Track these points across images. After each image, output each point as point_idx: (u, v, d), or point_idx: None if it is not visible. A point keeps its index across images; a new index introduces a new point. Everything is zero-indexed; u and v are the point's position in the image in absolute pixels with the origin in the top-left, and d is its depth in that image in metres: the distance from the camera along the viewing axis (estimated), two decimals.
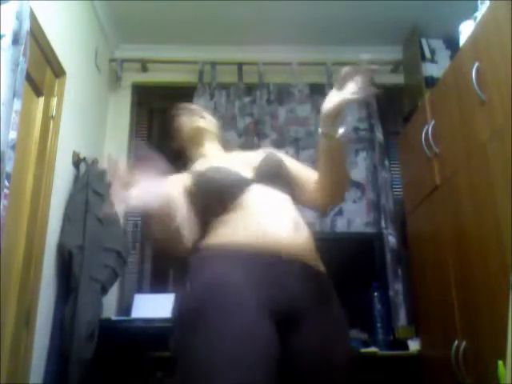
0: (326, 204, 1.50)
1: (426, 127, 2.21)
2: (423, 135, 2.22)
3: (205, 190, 1.29)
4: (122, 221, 2.84)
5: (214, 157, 1.52)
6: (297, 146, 3.02)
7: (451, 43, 2.66)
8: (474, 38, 1.87)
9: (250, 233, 1.19)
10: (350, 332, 1.30)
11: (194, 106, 1.76)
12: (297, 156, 2.92)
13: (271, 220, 1.21)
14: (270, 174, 1.34)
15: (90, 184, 2.40)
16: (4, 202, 1.39)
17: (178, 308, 1.17)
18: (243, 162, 1.39)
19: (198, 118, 1.65)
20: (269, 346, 1.04)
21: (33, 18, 1.75)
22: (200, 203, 1.29)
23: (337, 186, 1.39)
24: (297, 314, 1.14)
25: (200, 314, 1.07)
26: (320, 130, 1.27)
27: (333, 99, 1.24)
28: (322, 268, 1.26)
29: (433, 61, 2.76)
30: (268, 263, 1.14)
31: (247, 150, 1.62)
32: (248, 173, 1.33)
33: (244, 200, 1.25)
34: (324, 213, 1.43)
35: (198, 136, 1.63)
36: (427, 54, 2.78)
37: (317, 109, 3.18)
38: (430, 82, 2.65)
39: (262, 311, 1.07)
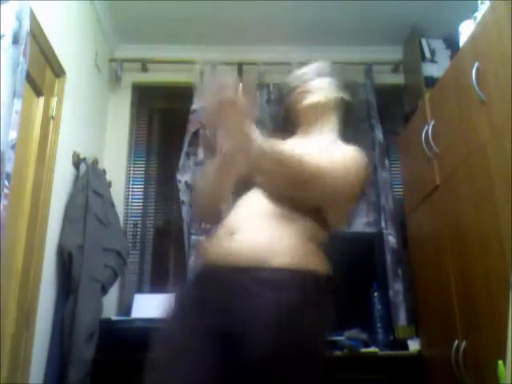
0: None
1: (426, 127, 2.21)
2: (423, 135, 2.22)
3: None
4: (121, 221, 2.85)
5: None
6: None
7: (451, 43, 2.66)
8: (473, 38, 1.86)
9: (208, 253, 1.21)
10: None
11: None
12: None
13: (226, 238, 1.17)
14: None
15: (90, 184, 2.40)
16: (4, 201, 1.39)
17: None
18: None
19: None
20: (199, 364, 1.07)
21: (33, 18, 1.75)
22: None
23: None
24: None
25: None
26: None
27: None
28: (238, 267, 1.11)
29: (433, 61, 2.76)
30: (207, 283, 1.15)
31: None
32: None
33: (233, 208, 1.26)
34: None
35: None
36: (427, 54, 2.78)
37: None
38: (430, 82, 2.65)
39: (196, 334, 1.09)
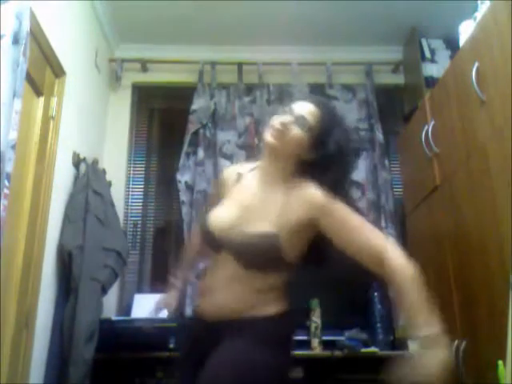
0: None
1: (426, 127, 2.21)
2: (423, 135, 2.22)
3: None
4: (121, 221, 2.85)
5: (247, 192, 1.43)
6: None
7: (451, 43, 2.65)
8: (473, 38, 1.87)
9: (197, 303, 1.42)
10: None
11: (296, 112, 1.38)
12: None
13: (207, 287, 1.38)
14: (244, 253, 1.31)
15: (90, 184, 2.39)
16: (4, 202, 1.39)
17: None
18: (247, 220, 1.34)
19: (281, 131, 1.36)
20: None
21: (33, 18, 1.75)
22: None
23: None
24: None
25: None
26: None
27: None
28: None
29: (433, 61, 2.76)
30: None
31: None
32: (231, 235, 1.32)
33: (214, 259, 1.39)
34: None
35: (267, 152, 1.42)
36: (427, 54, 2.78)
37: None
38: (430, 82, 2.64)
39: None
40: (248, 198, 1.39)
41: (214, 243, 1.37)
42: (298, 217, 1.30)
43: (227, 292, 1.31)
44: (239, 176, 1.48)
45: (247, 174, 1.48)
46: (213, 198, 1.72)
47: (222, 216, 1.39)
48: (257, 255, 1.29)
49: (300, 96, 1.48)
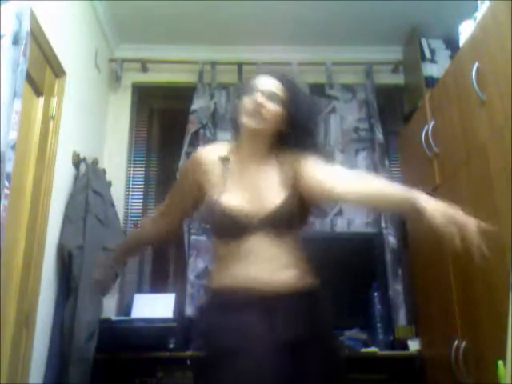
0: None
1: (426, 127, 2.21)
2: (423, 135, 2.22)
3: (212, 223, 1.44)
4: (121, 221, 2.85)
5: (243, 175, 1.45)
6: None
7: (451, 43, 2.66)
8: (473, 38, 1.86)
9: (238, 279, 1.34)
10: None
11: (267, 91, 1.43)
12: None
13: (256, 268, 1.34)
14: (279, 222, 1.38)
15: (90, 184, 2.40)
16: (4, 201, 1.39)
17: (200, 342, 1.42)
18: (261, 197, 1.40)
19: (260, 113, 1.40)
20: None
21: (33, 18, 1.75)
22: (210, 227, 1.48)
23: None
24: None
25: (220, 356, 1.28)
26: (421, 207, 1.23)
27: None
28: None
29: (433, 61, 2.76)
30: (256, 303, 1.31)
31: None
32: (258, 214, 1.37)
33: (242, 245, 1.36)
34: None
35: (251, 137, 1.46)
36: (427, 54, 2.78)
37: None
38: (430, 82, 2.65)
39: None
40: (249, 180, 1.44)
41: (237, 228, 1.37)
42: (292, 182, 1.42)
43: (285, 267, 1.36)
44: (225, 160, 1.47)
45: (231, 157, 1.48)
46: (182, 183, 1.71)
47: (238, 201, 1.39)
48: (283, 220, 1.38)
49: (257, 72, 1.53)
